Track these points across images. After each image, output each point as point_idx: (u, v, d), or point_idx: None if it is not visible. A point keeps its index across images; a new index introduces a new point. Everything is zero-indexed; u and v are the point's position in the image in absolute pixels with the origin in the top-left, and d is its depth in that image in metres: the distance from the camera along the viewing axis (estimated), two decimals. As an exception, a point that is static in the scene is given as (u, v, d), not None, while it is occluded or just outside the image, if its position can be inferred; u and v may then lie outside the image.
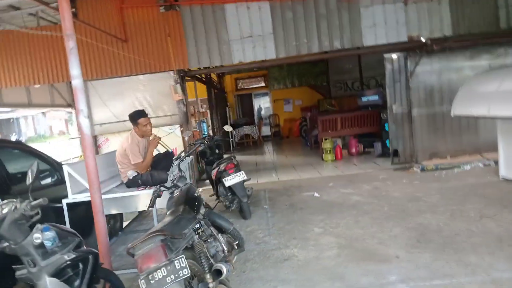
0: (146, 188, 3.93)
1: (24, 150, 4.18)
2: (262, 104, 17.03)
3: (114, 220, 4.95)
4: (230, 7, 7.17)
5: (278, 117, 16.29)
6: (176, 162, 3.59)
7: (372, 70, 12.73)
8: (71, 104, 8.90)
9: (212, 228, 2.96)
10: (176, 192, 3.17)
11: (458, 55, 7.40)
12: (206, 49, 7.28)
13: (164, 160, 4.42)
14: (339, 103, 13.63)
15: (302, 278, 3.30)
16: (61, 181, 4.08)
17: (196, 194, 3.23)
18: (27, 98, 8.47)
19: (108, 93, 7.45)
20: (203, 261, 2.39)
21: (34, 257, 2.14)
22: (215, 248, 2.72)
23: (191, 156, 5.29)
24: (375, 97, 9.83)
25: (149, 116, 4.45)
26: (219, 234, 2.94)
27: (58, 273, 2.17)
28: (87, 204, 3.22)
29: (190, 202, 2.99)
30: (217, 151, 5.82)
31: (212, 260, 2.50)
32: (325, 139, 9.26)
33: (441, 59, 7.41)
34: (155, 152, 4.53)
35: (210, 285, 2.38)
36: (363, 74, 13.52)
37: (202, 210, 3.13)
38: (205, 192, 5.87)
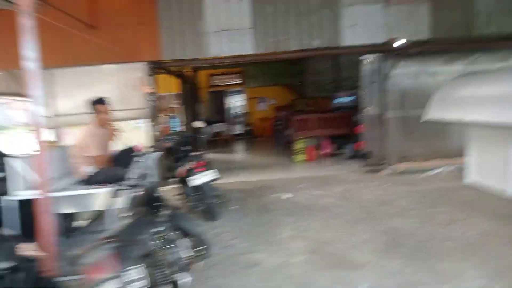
0: (104, 186, 3.63)
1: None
2: (236, 102, 16.80)
3: (70, 219, 4.59)
4: (209, -3, 6.91)
5: (251, 115, 16.11)
6: (139, 159, 3.32)
7: (348, 72, 12.74)
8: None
9: (175, 232, 2.72)
10: (137, 192, 2.91)
11: (434, 60, 7.46)
12: (181, 41, 6.97)
13: (126, 156, 4.12)
14: (313, 104, 13.61)
15: (269, 286, 3.12)
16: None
17: (159, 194, 2.98)
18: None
19: (73, 82, 6.99)
20: (160, 270, 2.16)
21: None
22: (176, 255, 2.48)
23: (158, 153, 5.00)
24: (350, 99, 9.83)
25: (115, 109, 4.15)
26: (183, 239, 2.71)
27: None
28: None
29: (151, 203, 2.74)
30: (186, 148, 5.54)
31: (170, 269, 2.27)
32: (298, 140, 9.16)
33: (417, 62, 7.45)
34: (117, 147, 4.23)
35: (168, 297, 2.16)
36: (338, 75, 13.56)
37: (165, 212, 2.88)
38: (171, 191, 5.60)
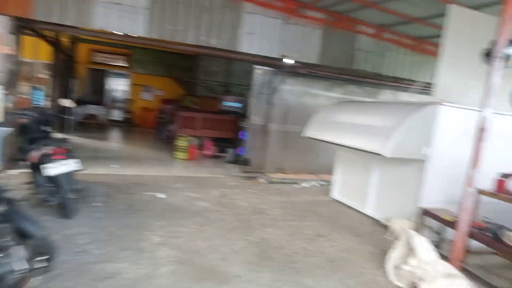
0: None
1: None
2: (119, 86, 15.42)
3: None
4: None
5: (134, 103, 14.98)
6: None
7: (239, 78, 12.93)
8: None
9: (9, 236, 2.13)
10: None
11: (317, 83, 8.00)
12: (61, 1, 5.92)
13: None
14: (202, 103, 13.34)
15: (127, 300, 2.73)
16: None
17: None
18: None
19: None
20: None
21: None
22: (6, 267, 1.91)
23: (7, 128, 4.05)
24: (238, 105, 9.88)
25: None
26: (20, 244, 2.13)
27: None
28: None
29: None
30: (46, 128, 4.67)
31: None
32: (181, 137, 8.77)
33: (303, 83, 7.89)
34: None
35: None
36: (229, 80, 13.64)
37: (1, 208, 2.25)
38: (18, 178, 4.64)
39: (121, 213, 4.50)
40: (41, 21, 6.02)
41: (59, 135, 4.44)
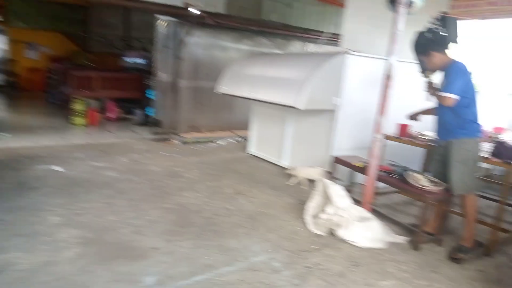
0: None
1: None
2: (-7, 43, 12.99)
3: None
4: None
5: (17, 63, 12.85)
6: None
7: (141, 31, 11.78)
8: None
9: None
10: None
11: (226, 35, 7.61)
12: None
13: None
14: (99, 60, 11.97)
15: (24, 296, 2.32)
16: None
17: None
18: None
19: None
20: None
21: None
22: None
23: None
24: (141, 61, 9.06)
25: None
26: None
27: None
28: None
29: None
30: None
31: None
32: (78, 99, 7.79)
33: (211, 34, 7.43)
34: None
35: None
36: (129, 33, 12.37)
37: None
38: None
39: (9, 194, 3.82)
40: None
41: None
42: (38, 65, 12.78)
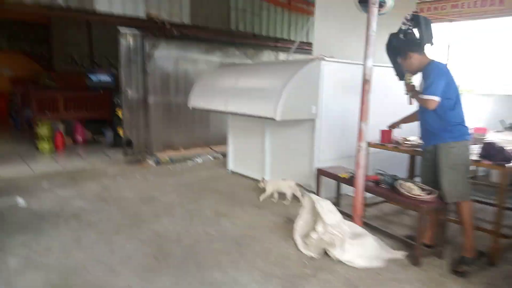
0: None
1: None
2: None
3: None
4: None
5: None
6: None
7: (105, 48, 11.33)
8: None
9: None
10: None
11: (194, 47, 7.35)
12: None
13: None
14: (64, 80, 11.40)
15: None
16: None
17: None
18: None
19: None
20: None
21: None
22: None
23: None
24: (107, 78, 8.65)
25: None
26: None
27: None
28: None
29: None
30: None
31: None
32: (42, 123, 7.31)
33: (178, 47, 7.15)
34: None
35: None
36: (94, 50, 11.89)
37: None
38: None
39: (-40, 238, 3.39)
40: None
41: None
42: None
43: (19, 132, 9.24)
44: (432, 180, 3.16)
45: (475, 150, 3.24)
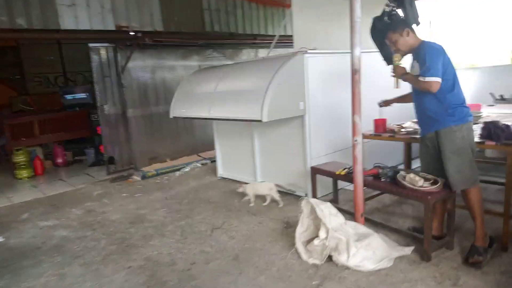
0: None
1: None
2: None
3: None
4: None
5: None
6: None
7: (78, 64, 10.93)
8: None
9: None
10: None
11: (170, 53, 7.06)
12: None
13: None
14: (39, 102, 10.96)
15: None
16: None
17: None
18: None
19: None
20: None
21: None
22: None
23: None
24: (83, 95, 8.30)
25: None
26: None
27: None
28: None
29: None
30: None
31: None
32: (18, 150, 6.93)
33: (153, 55, 6.85)
34: None
35: None
36: (67, 67, 11.46)
37: None
38: None
39: None
40: None
41: None
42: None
43: (-3, 162, 8.80)
44: (435, 168, 2.96)
45: (475, 130, 3.04)
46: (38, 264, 3.41)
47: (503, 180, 3.58)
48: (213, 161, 6.63)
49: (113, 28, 6.14)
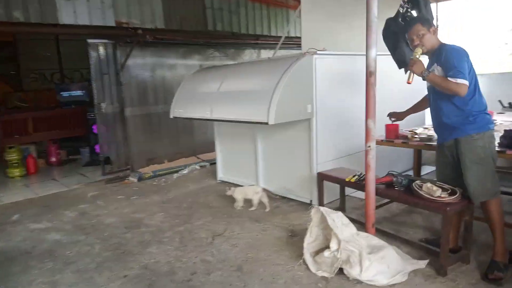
0: None
1: None
2: None
3: None
4: None
5: None
6: None
7: (76, 61, 10.70)
8: None
9: None
10: None
11: (171, 52, 6.86)
12: None
13: None
14: (34, 98, 10.71)
15: None
16: None
17: None
18: None
19: None
20: None
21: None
22: None
23: None
24: (79, 93, 8.08)
25: None
26: None
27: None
28: None
29: None
30: None
31: None
32: (10, 148, 6.70)
33: (154, 53, 6.65)
34: None
35: None
36: (65, 64, 11.23)
37: None
38: None
39: None
40: None
41: None
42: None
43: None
44: (452, 178, 2.80)
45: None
46: (27, 270, 3.20)
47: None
48: (212, 163, 6.45)
49: (113, 24, 5.95)
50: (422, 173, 4.61)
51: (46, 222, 4.33)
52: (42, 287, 2.91)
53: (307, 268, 2.87)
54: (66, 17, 5.44)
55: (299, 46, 8.38)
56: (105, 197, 5.24)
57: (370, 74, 2.98)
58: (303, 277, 2.79)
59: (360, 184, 3.24)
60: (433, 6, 6.92)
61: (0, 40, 10.35)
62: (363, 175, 3.24)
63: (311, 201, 4.24)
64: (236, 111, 4.22)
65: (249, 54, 8.06)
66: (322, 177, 3.80)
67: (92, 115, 6.84)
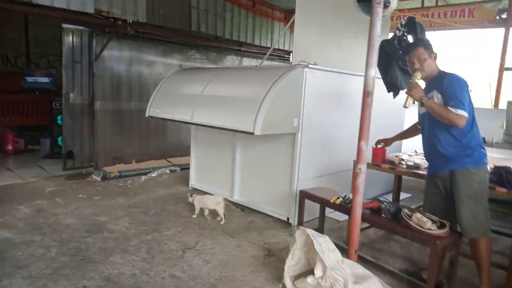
0: None
1: None
2: None
3: None
4: None
5: None
6: None
7: (44, 46, 10.05)
8: None
9: None
10: None
11: (150, 48, 6.55)
12: None
13: None
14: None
15: None
16: None
17: None
18: None
19: None
20: None
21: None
22: None
23: None
24: (45, 79, 7.54)
25: None
26: None
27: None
28: None
29: None
30: None
31: None
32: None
33: (132, 47, 6.31)
34: None
35: None
36: (32, 49, 10.51)
37: None
38: None
39: None
40: None
41: None
42: None
43: None
44: (442, 210, 2.74)
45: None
46: (-32, 273, 2.80)
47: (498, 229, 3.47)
48: (183, 168, 6.18)
49: (92, 12, 5.61)
50: (401, 198, 4.60)
51: (-6, 218, 3.89)
52: (-16, 296, 2.54)
53: (287, 292, 2.69)
54: (41, -3, 5.05)
55: (281, 58, 8.35)
56: (64, 194, 4.82)
57: (367, 94, 2.86)
58: (282, 302, 2.61)
59: (345, 207, 3.12)
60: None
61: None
62: (348, 198, 3.14)
63: (288, 218, 4.09)
64: (220, 117, 4.02)
65: (231, 60, 7.89)
66: (304, 195, 3.65)
67: (58, 104, 6.38)
